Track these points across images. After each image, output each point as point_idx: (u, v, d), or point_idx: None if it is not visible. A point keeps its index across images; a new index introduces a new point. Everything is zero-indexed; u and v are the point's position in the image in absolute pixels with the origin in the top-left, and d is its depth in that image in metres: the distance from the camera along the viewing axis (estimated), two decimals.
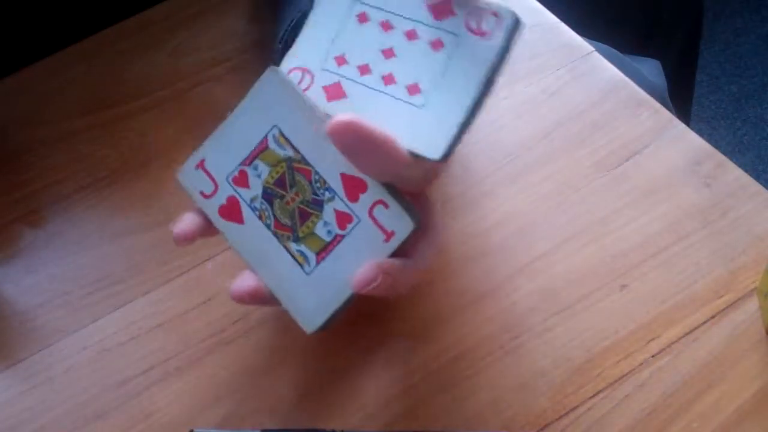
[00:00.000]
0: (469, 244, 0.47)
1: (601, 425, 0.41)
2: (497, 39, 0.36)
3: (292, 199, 0.39)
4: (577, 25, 0.57)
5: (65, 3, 0.61)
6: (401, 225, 0.37)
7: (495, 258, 0.47)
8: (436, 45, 0.38)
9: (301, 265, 0.39)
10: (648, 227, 0.47)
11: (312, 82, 0.39)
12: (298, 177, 0.38)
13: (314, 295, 0.38)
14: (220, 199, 0.40)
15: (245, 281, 0.39)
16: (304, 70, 0.39)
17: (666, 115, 0.52)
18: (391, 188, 0.37)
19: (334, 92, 0.38)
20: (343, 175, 0.38)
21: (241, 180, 0.39)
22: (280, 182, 0.39)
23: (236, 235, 0.40)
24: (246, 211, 0.39)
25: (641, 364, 0.43)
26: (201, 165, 0.40)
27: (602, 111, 0.52)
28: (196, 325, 0.46)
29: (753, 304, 0.44)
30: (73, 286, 0.48)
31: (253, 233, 0.39)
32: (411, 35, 0.38)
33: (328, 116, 0.38)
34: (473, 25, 0.37)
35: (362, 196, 0.37)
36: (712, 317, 0.44)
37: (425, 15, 0.38)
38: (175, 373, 0.44)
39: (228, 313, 0.46)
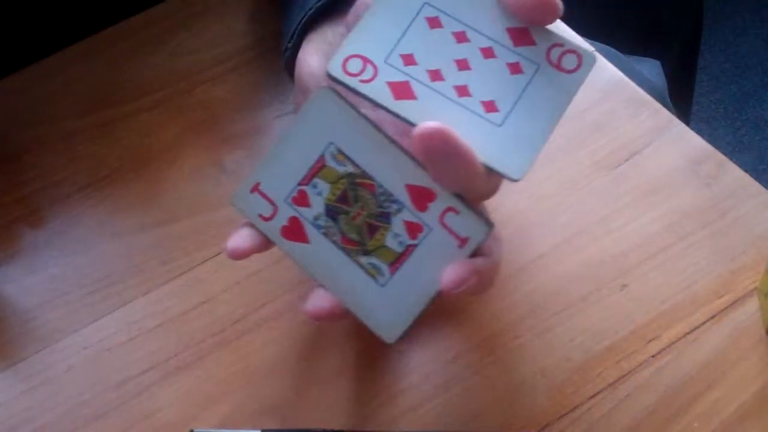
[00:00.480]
0: None
1: (601, 425, 0.41)
2: (578, 77, 0.38)
3: (357, 213, 0.39)
4: (577, 25, 0.57)
5: (65, 3, 0.61)
6: (476, 230, 0.37)
7: None
8: (515, 69, 0.38)
9: (374, 277, 0.39)
10: (648, 227, 0.47)
11: (375, 74, 0.38)
12: (361, 192, 0.38)
13: (391, 305, 0.38)
14: (281, 220, 0.39)
15: (322, 300, 0.39)
16: (366, 60, 0.38)
17: (666, 115, 0.52)
18: (459, 196, 0.37)
19: (402, 91, 0.38)
20: (409, 186, 0.38)
21: (301, 199, 0.39)
22: (342, 198, 0.39)
23: (303, 255, 0.39)
24: (310, 230, 0.39)
25: (641, 364, 0.43)
26: (256, 188, 0.39)
27: (602, 111, 0.52)
28: (196, 325, 0.46)
29: (753, 304, 0.44)
30: (73, 286, 0.48)
31: (320, 251, 0.39)
32: (487, 53, 0.38)
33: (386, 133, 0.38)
34: (554, 59, 0.38)
35: (431, 205, 0.38)
36: (712, 317, 0.44)
37: (504, 37, 0.38)
38: (175, 373, 0.44)
39: (228, 313, 0.46)
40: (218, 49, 0.57)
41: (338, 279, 0.39)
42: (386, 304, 0.39)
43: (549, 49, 0.38)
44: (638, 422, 0.41)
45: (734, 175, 0.49)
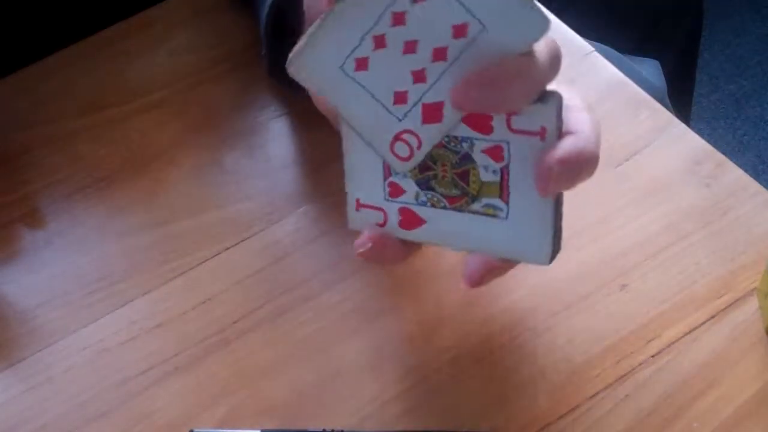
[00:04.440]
0: None
1: (601, 425, 0.41)
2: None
3: (443, 171, 0.39)
4: (577, 25, 0.57)
5: (65, 3, 0.61)
6: (546, 118, 0.36)
7: None
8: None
9: (495, 216, 0.38)
10: (648, 227, 0.47)
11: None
12: (434, 151, 0.38)
13: (525, 230, 0.38)
14: (394, 217, 0.40)
15: (472, 264, 0.39)
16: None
17: (666, 115, 0.52)
18: None
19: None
20: (467, 119, 0.37)
21: (396, 190, 0.39)
22: (423, 167, 0.39)
23: (428, 234, 0.40)
24: (421, 210, 0.39)
25: (641, 364, 0.43)
26: (359, 205, 0.40)
27: (602, 111, 0.52)
28: (196, 325, 0.46)
29: (753, 304, 0.44)
30: (73, 286, 0.48)
31: (438, 223, 0.39)
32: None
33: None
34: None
35: (494, 123, 0.37)
36: (712, 317, 0.44)
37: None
38: (175, 373, 0.44)
39: (228, 313, 0.46)
40: (218, 49, 0.57)
41: (468, 238, 0.39)
42: (521, 232, 0.38)
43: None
44: (638, 422, 0.41)
45: (734, 175, 0.49)
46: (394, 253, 0.41)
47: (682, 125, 0.51)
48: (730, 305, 0.44)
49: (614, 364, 0.43)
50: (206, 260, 0.48)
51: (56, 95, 0.56)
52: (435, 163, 0.38)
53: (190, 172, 0.52)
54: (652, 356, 0.43)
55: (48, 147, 0.54)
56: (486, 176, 0.38)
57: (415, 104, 0.37)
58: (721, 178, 0.49)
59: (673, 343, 0.43)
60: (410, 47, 0.36)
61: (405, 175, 0.39)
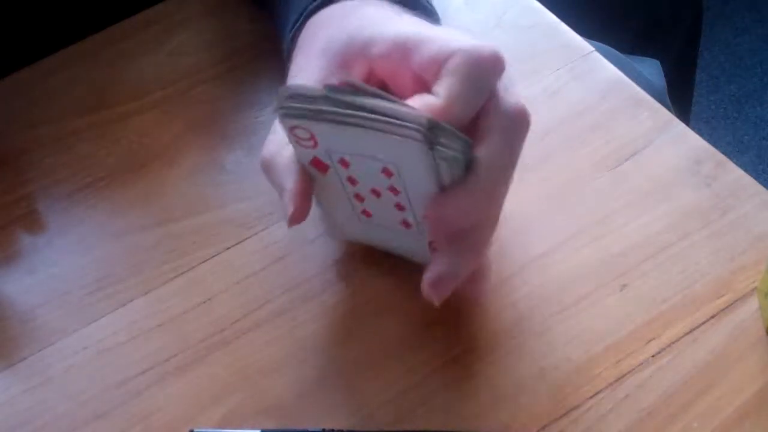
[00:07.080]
0: None
1: (601, 425, 0.41)
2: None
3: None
4: (577, 25, 0.57)
5: (65, 3, 0.61)
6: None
7: (494, 258, 0.47)
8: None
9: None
10: (648, 227, 0.47)
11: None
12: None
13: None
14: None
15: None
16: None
17: (666, 115, 0.52)
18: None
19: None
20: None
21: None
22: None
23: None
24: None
25: (641, 364, 0.43)
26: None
27: (602, 111, 0.52)
28: (196, 325, 0.46)
29: (753, 304, 0.44)
30: (73, 286, 0.48)
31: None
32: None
33: None
34: None
35: None
36: (712, 317, 0.44)
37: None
38: (175, 373, 0.44)
39: (228, 313, 0.46)
40: (218, 49, 0.57)
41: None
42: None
43: None
44: (638, 422, 0.41)
45: (734, 175, 0.49)
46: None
47: (682, 125, 0.51)
48: (730, 305, 0.44)
49: (614, 364, 0.43)
50: (206, 260, 0.48)
51: (56, 95, 0.56)
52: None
53: (190, 172, 0.52)
54: (652, 356, 0.43)
55: (48, 147, 0.54)
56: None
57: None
58: (721, 178, 0.49)
59: (673, 343, 0.43)
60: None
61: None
